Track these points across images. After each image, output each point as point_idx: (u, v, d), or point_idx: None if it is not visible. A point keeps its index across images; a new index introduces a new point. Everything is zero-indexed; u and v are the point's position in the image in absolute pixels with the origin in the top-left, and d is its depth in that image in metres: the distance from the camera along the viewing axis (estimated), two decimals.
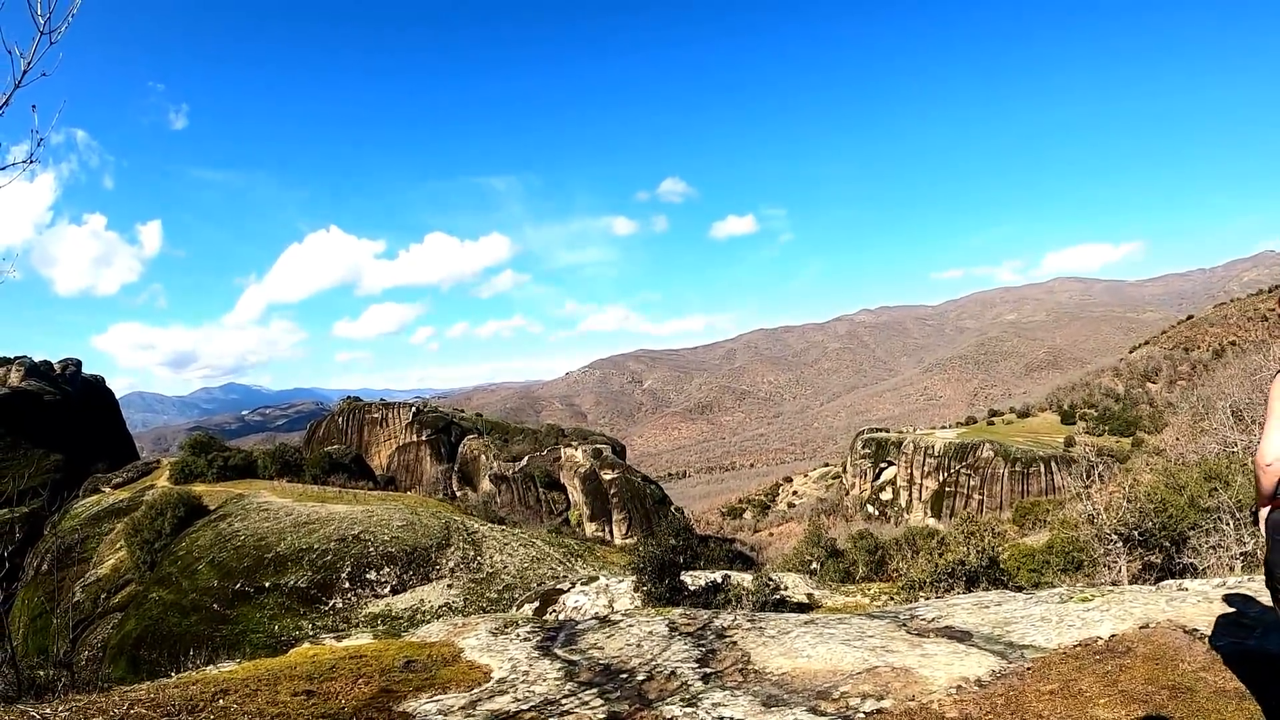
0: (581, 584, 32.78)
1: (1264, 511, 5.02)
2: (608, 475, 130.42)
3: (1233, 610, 8.64)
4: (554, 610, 29.61)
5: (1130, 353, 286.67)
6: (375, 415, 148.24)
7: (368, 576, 51.76)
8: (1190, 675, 7.08)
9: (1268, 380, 5.30)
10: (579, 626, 12.37)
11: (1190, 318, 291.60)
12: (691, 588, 28.23)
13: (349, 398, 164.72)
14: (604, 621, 12.64)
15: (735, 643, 10.18)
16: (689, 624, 11.71)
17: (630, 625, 11.93)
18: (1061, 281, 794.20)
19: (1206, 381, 73.81)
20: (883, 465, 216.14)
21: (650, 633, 11.29)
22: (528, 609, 30.80)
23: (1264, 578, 5.38)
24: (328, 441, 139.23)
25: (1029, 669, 7.86)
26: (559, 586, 33.63)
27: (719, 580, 28.94)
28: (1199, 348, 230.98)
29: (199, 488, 76.41)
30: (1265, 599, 5.74)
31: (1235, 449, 38.03)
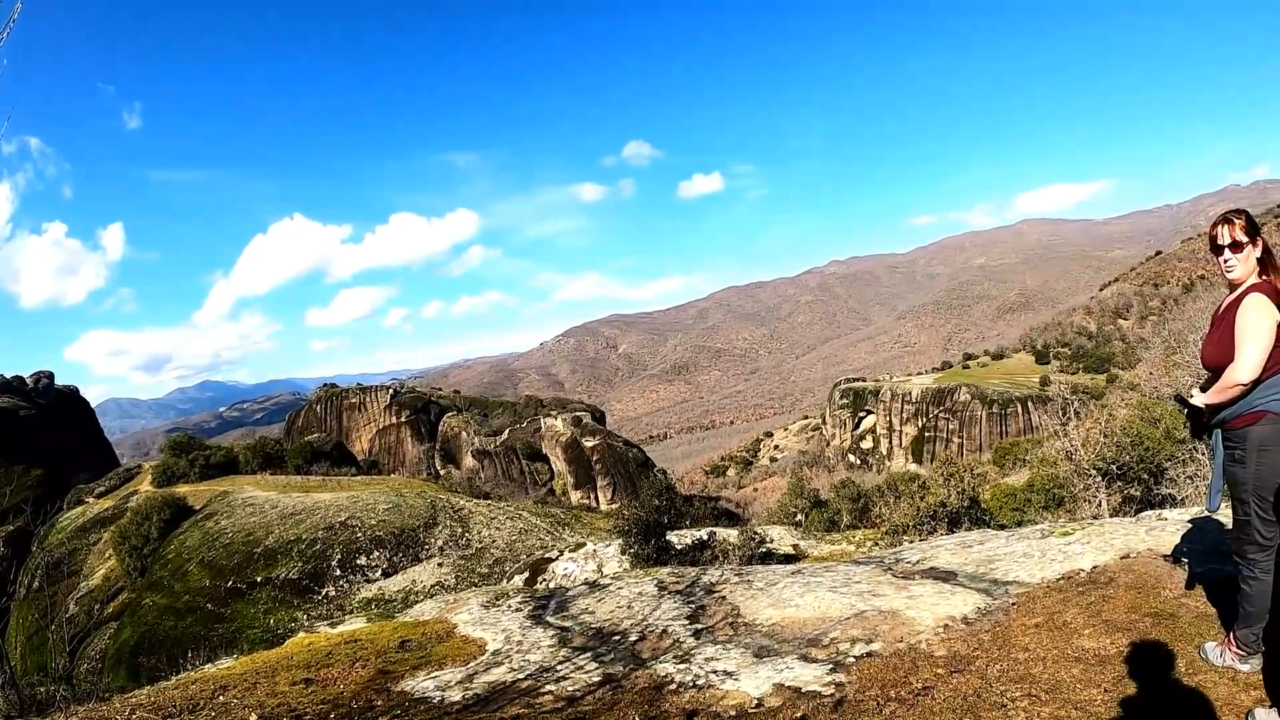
0: (569, 551, 32.89)
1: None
2: (589, 442, 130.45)
3: (1210, 538, 8.79)
4: (544, 579, 29.70)
5: (1101, 291, 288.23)
6: (353, 400, 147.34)
7: (358, 562, 51.77)
8: (1172, 602, 7.22)
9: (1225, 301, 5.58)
10: (569, 593, 12.43)
11: (1159, 254, 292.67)
12: (678, 547, 28.40)
13: (325, 385, 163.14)
14: (593, 586, 12.71)
15: (724, 597, 10.27)
16: (677, 582, 11.79)
17: (620, 588, 12.01)
18: (1030, 223, 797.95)
19: (1177, 316, 74.34)
20: (861, 415, 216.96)
21: (640, 593, 11.36)
22: (518, 580, 30.91)
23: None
24: (307, 431, 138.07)
25: (1014, 604, 7.98)
26: (547, 556, 33.75)
27: (705, 537, 29.17)
28: (1168, 283, 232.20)
29: (183, 489, 75.94)
30: (1210, 501, 6.02)
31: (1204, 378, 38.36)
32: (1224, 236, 5.50)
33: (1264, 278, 5.27)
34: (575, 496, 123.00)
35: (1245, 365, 5.00)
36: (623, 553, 28.66)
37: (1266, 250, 5.24)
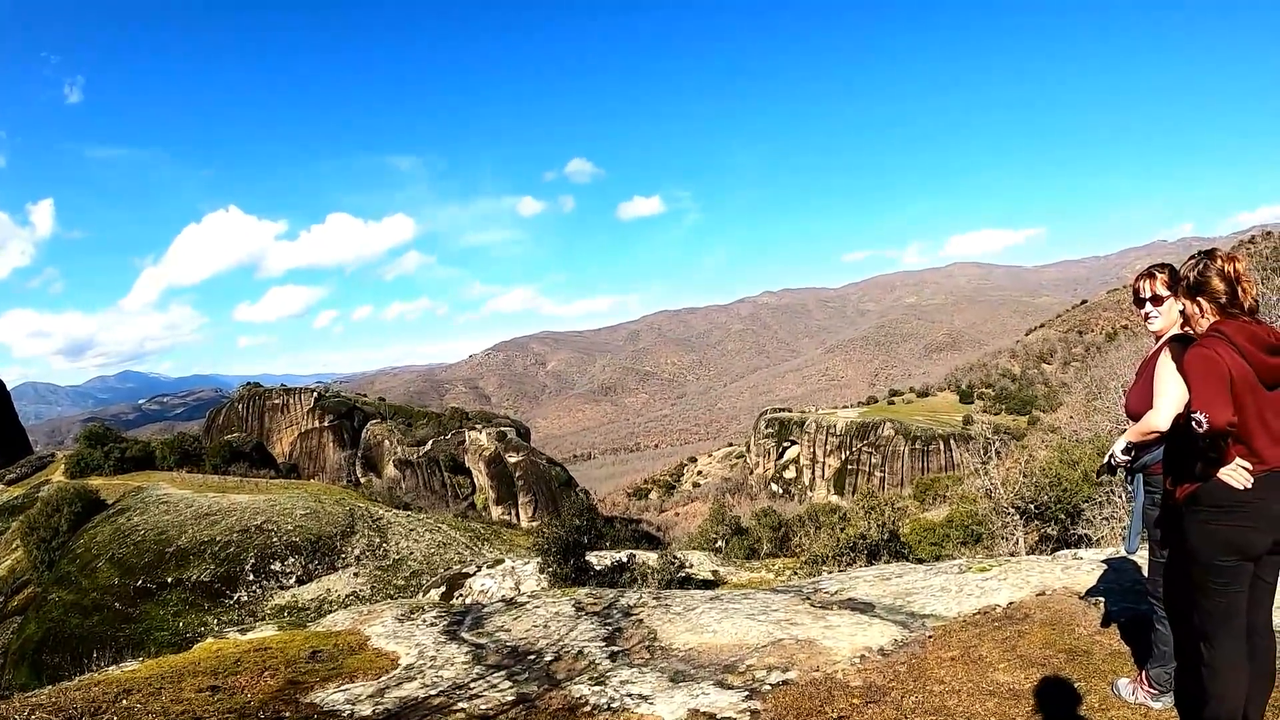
0: (487, 567, 32.60)
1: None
2: (513, 458, 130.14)
3: (1126, 578, 8.90)
4: (460, 594, 29.44)
5: (1027, 335, 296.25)
6: (276, 401, 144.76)
7: (272, 568, 50.99)
8: (1086, 639, 7.29)
9: (1148, 352, 5.78)
10: (486, 609, 12.30)
11: (1085, 302, 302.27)
12: (597, 568, 28.26)
13: (249, 384, 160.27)
14: (510, 604, 12.59)
15: (641, 620, 10.21)
16: (595, 603, 11.71)
17: (537, 606, 11.90)
18: (961, 266, 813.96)
19: (1099, 363, 76.21)
20: (786, 444, 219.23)
21: (557, 613, 11.27)
22: (434, 594, 30.59)
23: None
24: (228, 430, 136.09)
25: (930, 637, 8.01)
26: (465, 571, 33.43)
27: (624, 560, 29.03)
28: (1092, 331, 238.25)
29: (96, 481, 74.27)
30: (1128, 544, 6.19)
31: (1128, 427, 39.32)
32: (1146, 290, 5.72)
33: (1185, 329, 5.40)
34: (496, 512, 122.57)
35: (1162, 413, 5.11)
36: (541, 571, 28.52)
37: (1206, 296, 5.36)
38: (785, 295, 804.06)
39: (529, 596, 13.36)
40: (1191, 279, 5.06)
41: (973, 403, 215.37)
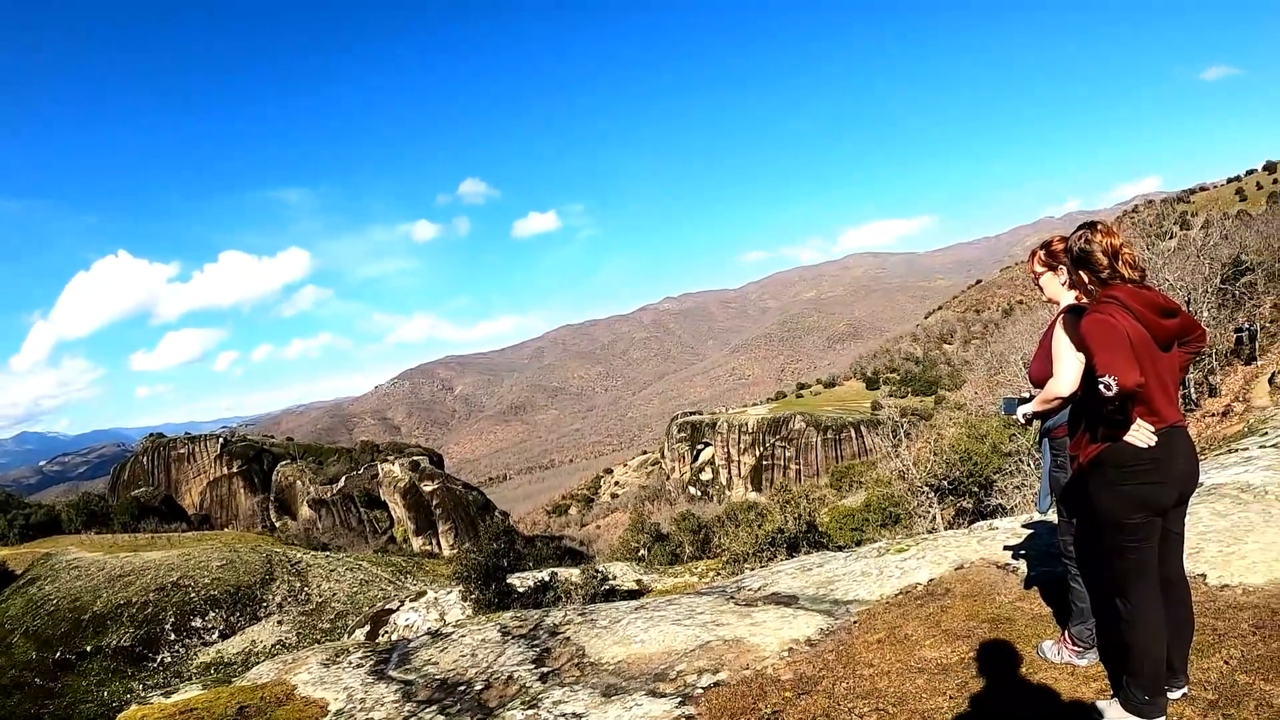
0: (410, 600, 32.16)
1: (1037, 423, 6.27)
2: (428, 487, 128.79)
3: (1040, 542, 9.04)
4: (386, 631, 29.04)
5: (925, 318, 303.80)
6: (182, 451, 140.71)
7: (193, 624, 49.96)
8: (1008, 606, 7.38)
9: (1047, 323, 5.91)
10: (412, 644, 12.11)
11: (979, 282, 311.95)
12: (521, 590, 28.11)
13: (152, 435, 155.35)
14: (436, 636, 12.41)
15: (569, 638, 10.12)
16: (520, 626, 11.59)
17: (462, 636, 11.75)
18: (857, 257, 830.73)
19: (998, 339, 78.25)
20: (700, 447, 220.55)
21: (483, 640, 11.13)
22: (359, 634, 30.12)
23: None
24: (134, 485, 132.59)
25: (855, 622, 8.04)
26: (388, 607, 32.93)
27: (547, 579, 28.93)
28: (989, 309, 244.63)
29: (2, 552, 72.29)
30: (1039, 504, 6.37)
31: (1031, 395, 40.50)
32: (1033, 266, 5.93)
33: (1081, 299, 5.53)
34: (417, 543, 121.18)
35: (1062, 380, 5.24)
36: (464, 599, 28.26)
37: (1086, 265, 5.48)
38: (686, 300, 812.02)
39: (454, 626, 13.17)
40: (1075, 252, 5.24)
41: (879, 388, 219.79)
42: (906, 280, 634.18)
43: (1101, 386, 4.66)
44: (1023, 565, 8.45)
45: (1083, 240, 5.17)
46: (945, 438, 30.77)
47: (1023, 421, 5.98)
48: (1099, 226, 5.19)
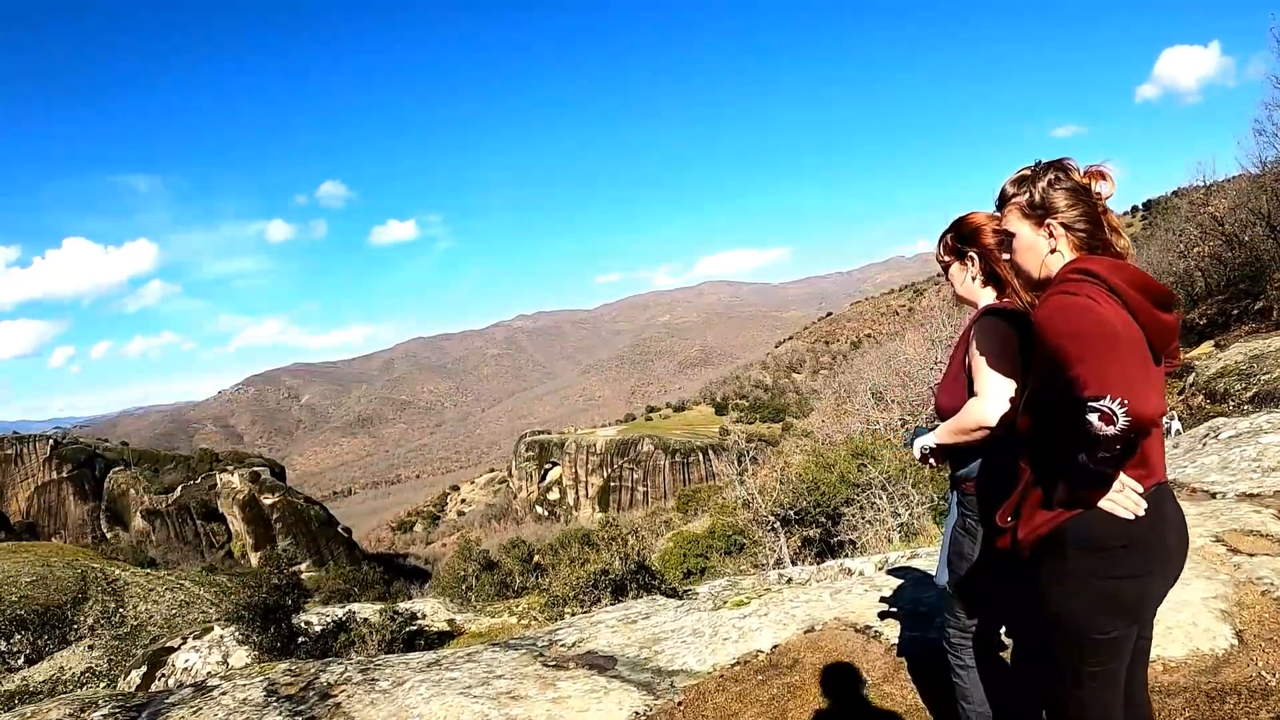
0: (194, 638, 28.78)
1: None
2: (268, 500, 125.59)
3: (906, 595, 7.57)
4: (163, 674, 26.24)
5: (776, 347, 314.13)
6: (9, 452, 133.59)
7: None
8: (874, 691, 5.69)
9: (952, 341, 4.23)
10: (169, 700, 10.14)
11: (830, 315, 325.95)
12: (318, 628, 25.77)
13: None
14: (199, 689, 10.51)
15: (339, 704, 8.37)
16: (292, 683, 9.76)
17: (225, 692, 9.84)
18: (711, 285, 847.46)
19: (847, 369, 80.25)
20: (548, 466, 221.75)
21: (244, 700, 9.26)
22: (135, 675, 27.40)
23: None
24: None
25: (680, 704, 6.36)
26: (169, 645, 29.54)
27: (343, 618, 26.75)
28: (838, 340, 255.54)
29: None
30: (938, 575, 4.55)
31: (878, 426, 41.12)
32: (939, 253, 4.07)
33: (1005, 300, 3.76)
34: (255, 559, 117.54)
35: (988, 402, 3.37)
36: (240, 644, 25.82)
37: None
38: (540, 318, 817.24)
39: (221, 678, 11.36)
40: (1036, 196, 3.10)
41: (728, 414, 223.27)
42: (759, 309, 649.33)
43: (1092, 417, 2.65)
44: (888, 630, 6.75)
45: (1051, 177, 3.06)
46: (792, 465, 30.20)
47: (917, 457, 3.95)
48: (1066, 161, 3.07)
